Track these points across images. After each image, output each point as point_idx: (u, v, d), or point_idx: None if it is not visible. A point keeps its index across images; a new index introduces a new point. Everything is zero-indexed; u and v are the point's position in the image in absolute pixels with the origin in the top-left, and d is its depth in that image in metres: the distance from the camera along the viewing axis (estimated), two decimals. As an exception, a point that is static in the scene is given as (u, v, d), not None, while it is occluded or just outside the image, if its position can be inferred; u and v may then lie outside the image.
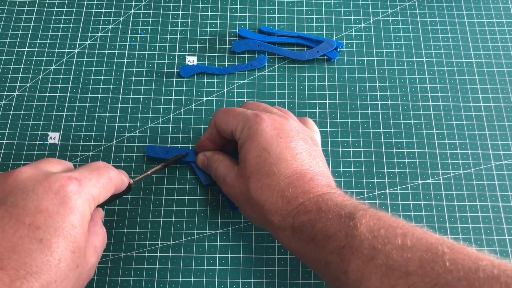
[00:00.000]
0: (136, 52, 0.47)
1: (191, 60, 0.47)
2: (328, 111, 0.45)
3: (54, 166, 0.30)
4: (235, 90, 0.46)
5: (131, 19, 0.49)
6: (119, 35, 0.48)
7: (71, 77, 0.46)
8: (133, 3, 0.49)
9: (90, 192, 0.29)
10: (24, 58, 0.46)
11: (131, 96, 0.45)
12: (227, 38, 0.48)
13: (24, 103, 0.44)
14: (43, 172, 0.29)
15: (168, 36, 0.48)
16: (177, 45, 0.48)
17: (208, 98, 0.45)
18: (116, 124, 0.44)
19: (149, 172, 0.38)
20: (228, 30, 0.48)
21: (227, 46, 0.48)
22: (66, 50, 0.47)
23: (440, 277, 0.25)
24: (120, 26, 0.48)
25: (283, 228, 0.32)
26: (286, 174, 0.33)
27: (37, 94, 0.45)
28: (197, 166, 0.41)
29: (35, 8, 0.49)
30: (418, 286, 0.25)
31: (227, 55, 0.47)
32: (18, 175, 0.28)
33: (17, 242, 0.25)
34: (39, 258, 0.25)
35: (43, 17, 0.49)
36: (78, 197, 0.28)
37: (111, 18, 0.49)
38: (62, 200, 0.27)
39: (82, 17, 0.49)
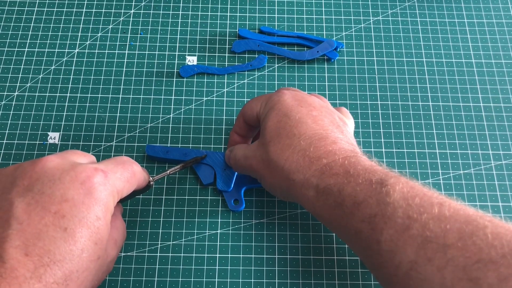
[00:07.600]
0: (136, 52, 0.47)
1: (191, 60, 0.47)
2: (328, 111, 0.45)
3: (79, 158, 0.30)
4: (235, 90, 0.46)
5: (131, 19, 0.49)
6: (119, 35, 0.48)
7: (71, 77, 0.46)
8: (133, 3, 0.49)
9: (114, 184, 0.29)
10: (24, 58, 0.46)
11: (131, 96, 0.45)
12: (227, 38, 0.48)
13: (24, 103, 0.44)
14: (70, 162, 0.29)
15: (168, 36, 0.48)
16: (177, 45, 0.48)
17: (208, 98, 0.45)
18: (116, 124, 0.44)
19: (168, 172, 0.38)
20: (228, 30, 0.48)
21: (227, 46, 0.48)
22: (66, 50, 0.47)
23: (482, 252, 0.23)
24: (120, 26, 0.48)
25: (306, 187, 0.31)
26: (307, 135, 0.32)
27: (37, 94, 0.45)
28: (197, 166, 0.41)
29: (35, 8, 0.49)
30: (457, 260, 0.24)
31: (227, 55, 0.47)
32: (46, 163, 0.28)
33: (42, 230, 0.25)
34: (63, 247, 0.25)
35: (43, 17, 0.49)
36: (104, 189, 0.28)
37: (111, 18, 0.49)
38: (87, 190, 0.27)
39: (82, 17, 0.49)
